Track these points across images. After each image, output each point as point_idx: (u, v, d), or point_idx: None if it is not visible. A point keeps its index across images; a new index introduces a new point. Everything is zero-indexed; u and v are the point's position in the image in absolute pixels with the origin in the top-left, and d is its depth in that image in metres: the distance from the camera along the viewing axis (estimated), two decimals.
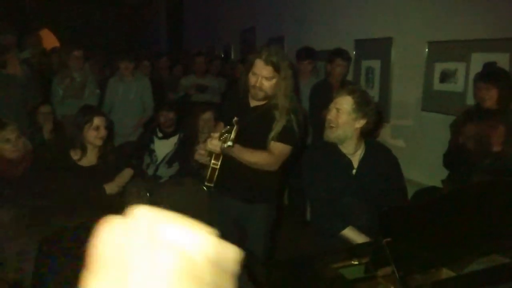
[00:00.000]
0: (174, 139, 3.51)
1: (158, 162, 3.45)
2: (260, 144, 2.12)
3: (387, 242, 1.27)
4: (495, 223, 1.45)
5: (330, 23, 4.22)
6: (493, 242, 1.43)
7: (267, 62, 2.00)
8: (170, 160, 3.44)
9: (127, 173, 2.67)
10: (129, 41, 8.26)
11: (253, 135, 2.11)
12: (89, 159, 2.54)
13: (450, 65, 2.96)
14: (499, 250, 1.42)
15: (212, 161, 2.00)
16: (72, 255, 1.83)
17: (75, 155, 2.51)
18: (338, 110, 2.00)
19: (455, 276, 1.29)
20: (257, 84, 2.04)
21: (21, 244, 2.43)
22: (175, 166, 3.45)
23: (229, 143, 1.85)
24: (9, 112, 3.03)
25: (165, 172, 3.45)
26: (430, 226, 1.40)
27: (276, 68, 2.02)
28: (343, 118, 2.00)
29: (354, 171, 2.08)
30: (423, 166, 3.21)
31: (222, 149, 1.90)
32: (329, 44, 3.98)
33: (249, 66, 2.07)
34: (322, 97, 3.51)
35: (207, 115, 3.39)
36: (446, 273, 1.32)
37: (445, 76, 3.00)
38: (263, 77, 2.03)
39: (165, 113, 3.47)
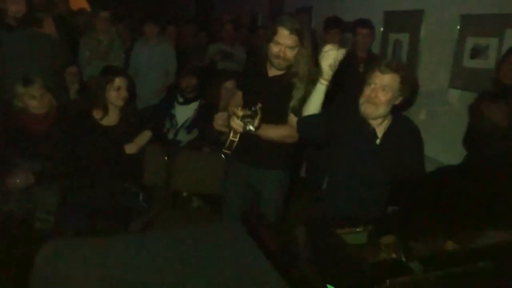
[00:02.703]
0: (194, 105, 3.53)
1: (178, 127, 3.50)
2: (280, 115, 2.12)
3: (393, 210, 1.26)
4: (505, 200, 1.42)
5: None
6: (501, 218, 1.41)
7: (292, 31, 1.97)
8: (189, 126, 3.48)
9: (147, 135, 2.72)
10: (157, 5, 8.20)
11: (272, 105, 2.10)
12: (111, 119, 2.60)
13: (481, 41, 2.83)
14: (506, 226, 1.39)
15: (231, 134, 2.01)
16: None
17: (97, 114, 2.58)
18: (384, 88, 1.91)
19: (458, 248, 1.28)
20: (281, 54, 2.02)
21: (44, 197, 2.56)
22: (195, 132, 3.49)
23: (251, 127, 1.88)
24: (40, 70, 3.10)
25: (184, 137, 3.49)
26: (438, 198, 1.38)
27: (300, 37, 1.99)
28: (388, 96, 1.92)
29: (378, 140, 2.03)
30: (446, 145, 3.13)
31: (244, 130, 1.92)
32: (357, 15, 3.86)
33: (271, 35, 2.04)
34: (347, 69, 3.45)
35: (230, 84, 3.38)
36: (451, 245, 1.31)
37: (476, 52, 2.88)
38: (287, 47, 2.00)
39: (187, 79, 3.49)
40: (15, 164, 2.52)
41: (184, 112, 3.53)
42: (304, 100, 2.04)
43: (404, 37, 3.52)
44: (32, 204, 2.52)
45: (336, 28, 3.80)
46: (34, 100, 2.58)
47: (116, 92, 2.52)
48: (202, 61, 4.93)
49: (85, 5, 5.30)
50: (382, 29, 3.76)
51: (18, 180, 2.47)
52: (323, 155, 2.31)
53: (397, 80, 1.91)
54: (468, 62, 2.93)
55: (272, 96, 2.09)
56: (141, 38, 4.36)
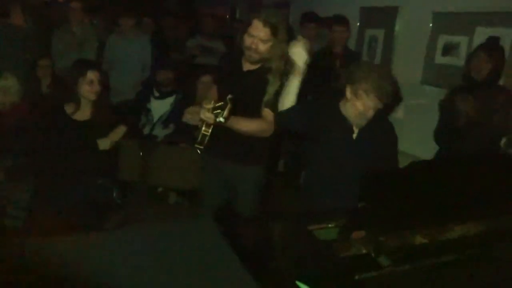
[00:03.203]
0: (170, 99, 3.50)
1: (153, 122, 3.46)
2: (253, 109, 2.12)
3: (363, 206, 1.29)
4: (474, 192, 1.47)
5: None
6: (470, 211, 1.45)
7: (265, 23, 1.97)
8: (166, 120, 3.45)
9: (121, 130, 2.68)
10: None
11: (246, 100, 2.10)
12: (83, 113, 2.54)
13: (453, 38, 2.90)
14: (475, 218, 1.44)
15: (203, 128, 1.99)
16: None
17: (69, 108, 2.52)
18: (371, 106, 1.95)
19: (427, 241, 1.32)
20: (253, 46, 2.02)
21: (16, 193, 2.50)
22: (171, 127, 3.45)
23: (221, 119, 1.86)
24: (9, 62, 3.01)
25: (160, 132, 3.46)
26: (409, 193, 1.41)
27: (274, 31, 1.98)
28: (378, 106, 1.97)
29: (354, 135, 2.07)
30: (419, 140, 3.20)
31: (214, 122, 1.91)
32: (334, 11, 3.90)
33: (245, 27, 2.04)
34: (324, 65, 3.49)
35: (206, 78, 3.36)
36: (419, 239, 1.34)
37: (448, 49, 2.95)
38: (259, 39, 2.00)
39: (163, 72, 3.45)
40: None
41: (160, 107, 3.49)
42: (278, 94, 2.05)
43: (380, 33, 3.56)
44: (3, 201, 2.46)
45: (312, 23, 3.82)
46: (2, 91, 2.51)
47: (88, 86, 2.46)
48: (182, 54, 4.88)
49: None
50: (358, 24, 3.80)
51: None
52: (300, 150, 2.33)
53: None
54: (440, 59, 2.99)
55: (246, 90, 2.08)
56: (116, 30, 4.28)
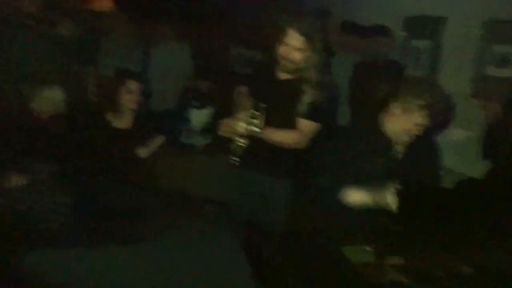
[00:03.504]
0: (209, 109, 3.52)
1: (192, 131, 3.49)
2: (288, 120, 2.08)
3: (397, 229, 1.20)
4: None
5: None
6: None
7: (300, 32, 1.93)
8: (204, 130, 3.47)
9: (159, 139, 2.71)
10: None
11: (280, 110, 2.07)
12: (124, 121, 2.60)
13: (507, 48, 2.71)
14: None
15: (238, 139, 1.98)
16: None
17: (110, 116, 2.58)
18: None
19: (475, 272, 1.20)
20: (287, 55, 1.98)
21: (54, 198, 2.57)
22: (209, 137, 3.47)
23: (256, 129, 1.85)
24: (55, 72, 3.12)
25: (198, 141, 3.48)
26: (455, 214, 1.31)
27: (309, 40, 1.94)
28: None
29: (398, 154, 1.98)
30: (467, 157, 3.01)
31: (249, 132, 1.89)
32: (377, 20, 3.78)
33: (280, 36, 2.00)
34: (366, 76, 3.38)
35: (243, 89, 3.34)
36: (466, 270, 1.23)
37: (501, 61, 2.77)
38: (294, 48, 1.96)
39: (202, 82, 3.49)
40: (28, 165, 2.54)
41: (198, 116, 3.53)
42: (313, 105, 2.00)
43: (425, 44, 3.41)
44: (45, 205, 2.54)
45: (353, 33, 3.73)
46: (48, 101, 2.60)
47: (128, 95, 2.51)
48: (222, 64, 4.91)
49: (110, 5, 5.24)
50: (402, 35, 3.66)
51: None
52: (338, 165, 2.24)
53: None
54: (492, 71, 2.82)
55: (281, 100, 2.05)
56: (160, 40, 4.36)
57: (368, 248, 1.29)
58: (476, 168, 2.74)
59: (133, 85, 2.53)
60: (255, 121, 1.85)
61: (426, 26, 3.37)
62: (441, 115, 1.87)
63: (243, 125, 1.88)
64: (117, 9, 4.32)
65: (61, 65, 3.26)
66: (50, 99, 2.60)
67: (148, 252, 1.10)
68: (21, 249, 2.25)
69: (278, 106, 2.06)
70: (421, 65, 3.48)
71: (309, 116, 2.04)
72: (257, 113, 1.85)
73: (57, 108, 2.65)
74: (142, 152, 2.60)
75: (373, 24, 3.65)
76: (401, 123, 1.88)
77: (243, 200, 2.35)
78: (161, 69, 4.17)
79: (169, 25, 4.23)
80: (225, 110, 3.38)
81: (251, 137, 1.98)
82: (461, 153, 2.92)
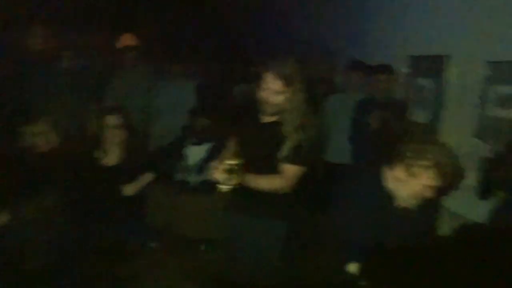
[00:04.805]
0: (207, 146, 3.48)
1: (189, 168, 3.44)
2: (271, 164, 2.04)
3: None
4: None
5: (384, 37, 3.97)
6: None
7: (278, 75, 1.90)
8: (201, 167, 3.42)
9: (148, 177, 2.67)
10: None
11: (263, 154, 2.03)
12: (111, 158, 2.58)
13: (509, 89, 2.61)
14: None
15: (222, 185, 1.94)
16: None
17: (98, 153, 2.57)
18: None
19: None
20: (267, 99, 1.95)
21: (44, 235, 2.54)
22: (206, 174, 3.41)
23: (234, 182, 1.84)
24: (55, 105, 3.15)
25: (194, 179, 3.43)
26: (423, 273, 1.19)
27: (287, 82, 1.90)
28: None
29: (395, 211, 1.89)
30: (470, 199, 2.85)
31: (227, 184, 1.85)
32: (382, 59, 3.75)
33: (259, 79, 1.98)
34: (367, 114, 3.31)
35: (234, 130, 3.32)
36: None
37: (503, 101, 2.65)
38: (272, 92, 1.92)
39: (201, 119, 3.47)
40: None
41: (196, 153, 3.49)
42: (296, 148, 1.94)
43: (429, 83, 3.33)
44: (33, 239, 2.51)
45: (358, 71, 3.70)
46: (39, 136, 2.61)
47: (110, 131, 2.50)
48: (228, 101, 4.93)
49: (133, 43, 5.34)
50: (406, 73, 3.60)
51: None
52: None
53: None
54: (495, 111, 2.70)
55: (263, 144, 2.00)
56: (166, 76, 4.42)
57: None
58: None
59: (113, 120, 2.51)
60: (233, 175, 1.81)
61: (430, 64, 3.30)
62: (449, 176, 1.76)
63: (223, 176, 1.84)
64: (135, 47, 4.39)
65: (63, 99, 3.31)
66: (41, 133, 2.61)
67: None
68: None
69: (261, 149, 2.03)
70: (424, 104, 3.38)
71: (292, 160, 1.98)
72: (235, 167, 1.81)
73: (49, 142, 2.66)
74: (129, 189, 2.56)
75: (377, 63, 3.62)
76: (409, 187, 1.79)
77: (235, 240, 2.27)
78: (163, 105, 4.21)
79: (176, 62, 4.29)
80: (222, 149, 3.36)
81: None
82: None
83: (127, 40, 5.69)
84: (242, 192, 2.04)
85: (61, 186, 2.57)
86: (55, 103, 3.09)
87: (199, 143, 3.49)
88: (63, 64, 3.42)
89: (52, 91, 3.16)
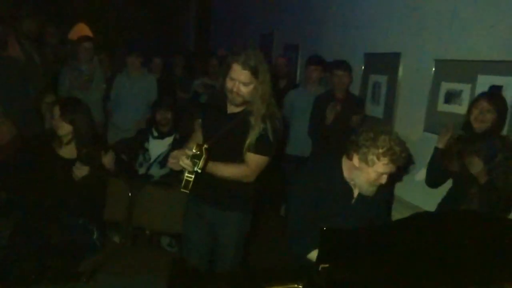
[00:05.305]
0: (169, 140, 3.47)
1: (151, 161, 3.42)
2: (236, 153, 2.07)
3: (323, 268, 1.16)
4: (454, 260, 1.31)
5: (342, 35, 4.12)
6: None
7: (245, 66, 1.94)
8: (163, 161, 3.40)
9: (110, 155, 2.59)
10: (160, 42, 8.24)
11: (228, 143, 2.06)
12: (70, 150, 2.52)
13: (455, 86, 2.79)
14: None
15: (186, 174, 1.95)
16: None
17: (56, 145, 2.51)
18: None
19: None
20: (234, 89, 1.98)
21: None
22: (168, 167, 3.40)
23: (197, 169, 1.84)
24: (6, 96, 3.03)
25: (157, 172, 3.42)
26: (377, 254, 1.28)
27: (254, 73, 1.95)
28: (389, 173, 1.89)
29: (353, 200, 2.01)
30: (420, 188, 3.03)
31: (192, 169, 1.87)
32: (340, 55, 3.89)
33: (226, 70, 2.01)
34: (325, 109, 3.43)
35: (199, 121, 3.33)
36: None
37: (450, 97, 2.84)
38: (240, 82, 1.96)
39: (162, 112, 3.44)
40: None
41: (158, 147, 3.47)
42: (262, 137, 1.99)
43: (383, 79, 3.49)
44: None
45: (317, 66, 3.81)
46: None
47: (57, 121, 2.44)
48: (188, 94, 4.92)
49: (88, 33, 5.21)
50: (362, 70, 3.75)
51: None
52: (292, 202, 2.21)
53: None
54: (442, 107, 2.88)
55: (230, 133, 2.04)
56: (124, 69, 4.35)
57: (291, 285, 1.25)
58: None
59: (57, 111, 2.44)
60: (195, 160, 1.83)
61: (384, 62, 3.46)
62: (401, 161, 1.86)
63: (188, 163, 1.85)
64: (88, 38, 4.30)
65: (11, 89, 3.18)
66: None
67: None
68: None
69: (227, 139, 2.05)
70: (378, 99, 3.54)
71: (256, 149, 2.03)
72: (198, 153, 1.83)
73: (5, 137, 2.57)
74: (79, 171, 2.44)
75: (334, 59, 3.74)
76: (365, 175, 1.87)
77: (195, 233, 2.29)
78: (125, 98, 4.15)
79: (135, 54, 4.23)
80: (186, 140, 3.36)
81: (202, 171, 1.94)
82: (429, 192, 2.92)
83: (82, 30, 5.54)
84: (204, 185, 2.08)
85: (17, 180, 2.48)
86: (5, 94, 2.97)
87: (160, 136, 3.47)
88: (9, 53, 3.28)
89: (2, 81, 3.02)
